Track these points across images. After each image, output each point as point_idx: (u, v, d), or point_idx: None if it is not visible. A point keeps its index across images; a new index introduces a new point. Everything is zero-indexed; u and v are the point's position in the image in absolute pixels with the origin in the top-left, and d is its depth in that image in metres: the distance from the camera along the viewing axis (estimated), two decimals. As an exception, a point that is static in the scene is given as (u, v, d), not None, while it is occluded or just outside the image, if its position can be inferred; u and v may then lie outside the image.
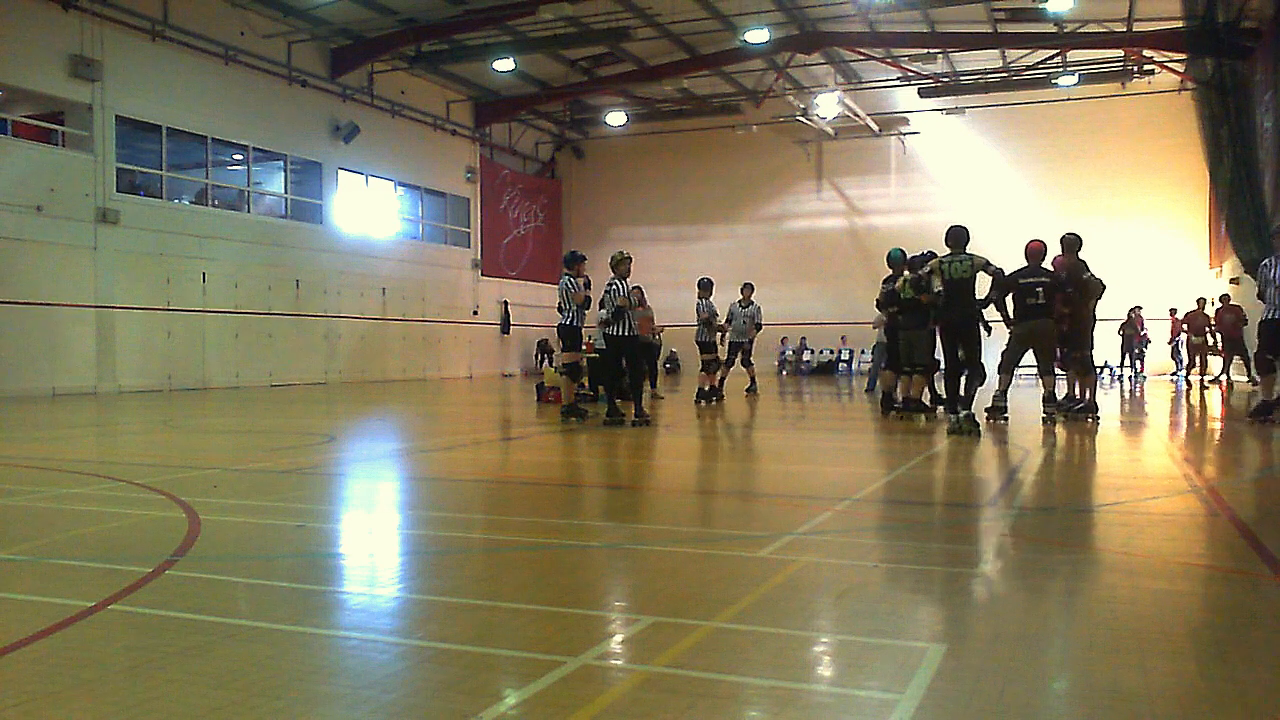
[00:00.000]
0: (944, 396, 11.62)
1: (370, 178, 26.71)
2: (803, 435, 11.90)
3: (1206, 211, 26.97)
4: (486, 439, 11.26)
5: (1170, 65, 25.29)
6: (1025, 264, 10.95)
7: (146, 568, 4.21)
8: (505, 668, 3.04)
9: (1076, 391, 12.37)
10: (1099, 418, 11.78)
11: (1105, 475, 7.81)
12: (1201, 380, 21.63)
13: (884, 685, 2.81)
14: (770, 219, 33.16)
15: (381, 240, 27.02)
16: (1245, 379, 20.51)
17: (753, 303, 16.69)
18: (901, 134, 31.40)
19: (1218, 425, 12.64)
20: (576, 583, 4.20)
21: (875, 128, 30.66)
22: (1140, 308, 23.89)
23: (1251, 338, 16.30)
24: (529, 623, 3.51)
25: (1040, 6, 23.18)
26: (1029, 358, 11.20)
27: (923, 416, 11.98)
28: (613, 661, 3.10)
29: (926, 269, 10.87)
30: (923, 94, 29.61)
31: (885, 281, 12.81)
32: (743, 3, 23.71)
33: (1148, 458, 8.97)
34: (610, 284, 11.58)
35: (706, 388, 15.62)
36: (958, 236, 10.48)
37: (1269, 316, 10.92)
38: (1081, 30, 24.71)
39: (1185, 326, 21.69)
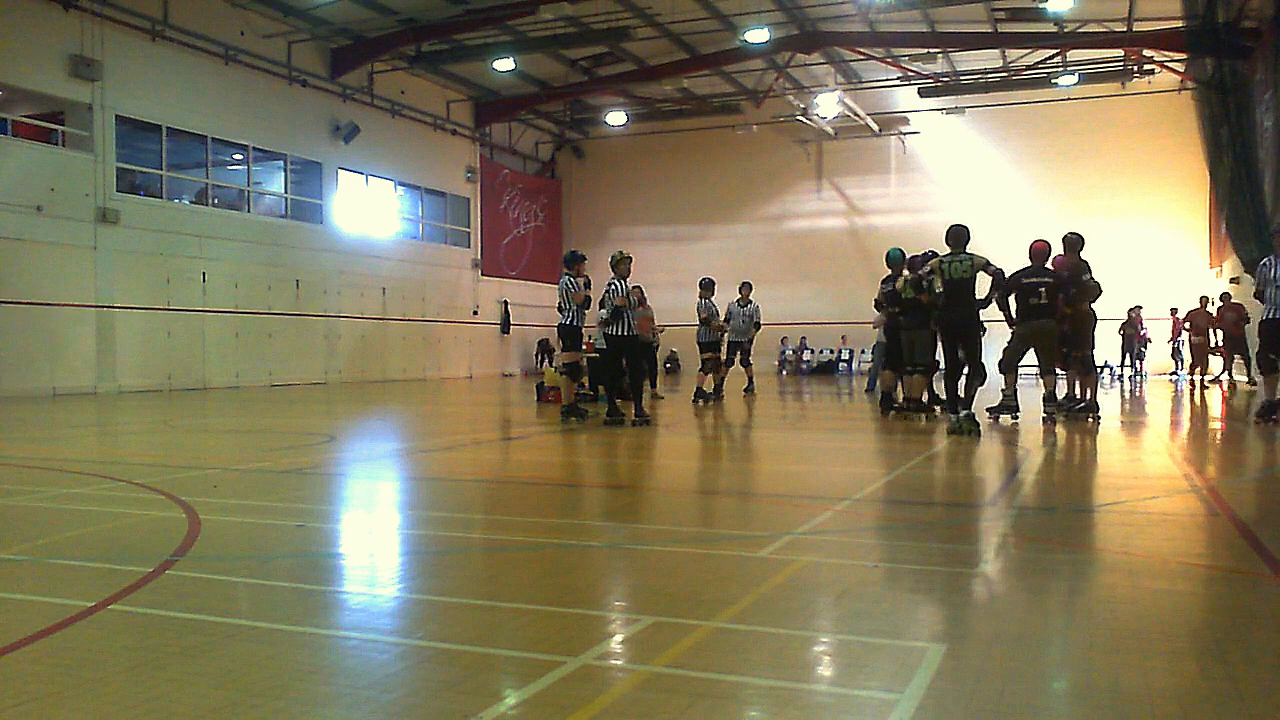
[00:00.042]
0: (944, 396, 11.63)
1: (370, 178, 26.71)
2: (803, 435, 11.90)
3: (1206, 211, 26.96)
4: (486, 439, 11.26)
5: (1170, 65, 25.30)
6: (1029, 264, 10.96)
7: (147, 568, 4.21)
8: (505, 668, 3.04)
9: (1077, 391, 12.38)
10: (1099, 417, 11.79)
11: (1105, 475, 7.81)
12: (1202, 380, 21.63)
13: (884, 685, 2.81)
14: (770, 219, 33.14)
15: (381, 240, 27.01)
16: (1245, 379, 20.51)
17: (751, 301, 16.68)
18: (901, 134, 31.40)
19: (1218, 425, 12.64)
20: (576, 583, 4.20)
21: (875, 127, 30.64)
22: (1140, 307, 23.87)
23: (1253, 337, 16.28)
24: (529, 623, 3.51)
25: (1040, 6, 23.18)
26: (1029, 357, 11.21)
27: (923, 416, 11.98)
28: (613, 661, 3.10)
29: (927, 269, 10.87)
30: (923, 94, 29.60)
31: (884, 281, 12.81)
32: (743, 2, 23.70)
33: (1148, 457, 8.97)
34: (610, 284, 11.59)
35: (707, 388, 15.63)
36: (958, 236, 10.47)
37: (1269, 316, 10.93)
38: (1081, 30, 24.71)
39: (1188, 325, 21.68)
